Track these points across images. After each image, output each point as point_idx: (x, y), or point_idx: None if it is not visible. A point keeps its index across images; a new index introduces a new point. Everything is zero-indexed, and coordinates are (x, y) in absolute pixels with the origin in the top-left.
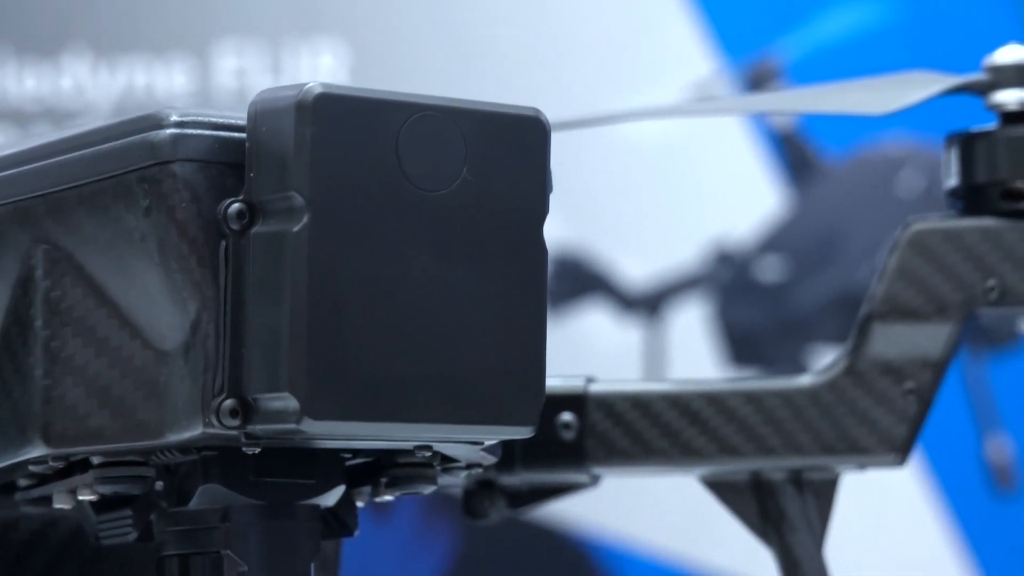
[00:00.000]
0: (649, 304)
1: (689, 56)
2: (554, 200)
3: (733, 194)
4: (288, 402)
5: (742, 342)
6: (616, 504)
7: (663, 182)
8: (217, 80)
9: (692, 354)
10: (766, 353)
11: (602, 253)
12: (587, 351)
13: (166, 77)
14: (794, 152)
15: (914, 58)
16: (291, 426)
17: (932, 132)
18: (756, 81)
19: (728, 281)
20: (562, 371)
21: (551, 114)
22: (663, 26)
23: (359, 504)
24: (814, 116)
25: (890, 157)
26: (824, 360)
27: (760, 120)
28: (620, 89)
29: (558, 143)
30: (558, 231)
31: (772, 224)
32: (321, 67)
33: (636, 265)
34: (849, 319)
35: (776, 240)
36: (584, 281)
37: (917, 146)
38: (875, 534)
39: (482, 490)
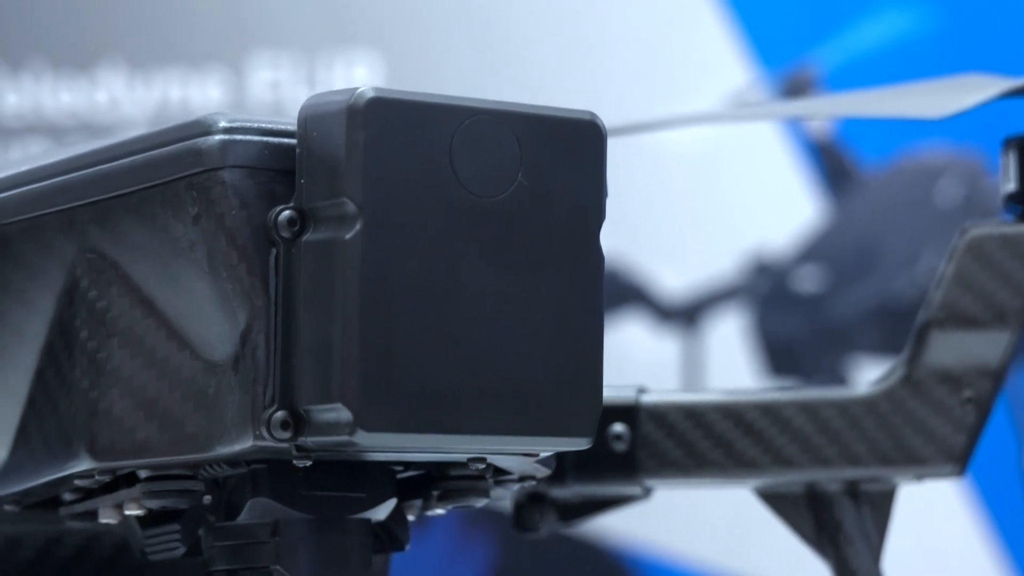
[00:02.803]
0: (687, 315)
1: (725, 66)
2: None
3: (771, 204)
4: (340, 413)
5: (780, 353)
6: (655, 516)
7: (700, 193)
8: (252, 93)
9: (730, 365)
10: (805, 363)
11: (639, 264)
12: (625, 362)
13: (201, 90)
14: (832, 162)
15: (951, 66)
16: (343, 438)
17: (971, 141)
18: (793, 91)
19: (766, 291)
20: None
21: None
22: (699, 36)
23: (410, 518)
24: (851, 124)
25: (928, 166)
26: (863, 370)
27: (797, 130)
28: (656, 100)
29: None
30: None
31: (810, 234)
32: (355, 79)
33: (674, 276)
34: (888, 329)
35: (814, 250)
36: (622, 292)
37: (956, 155)
38: (915, 545)
39: (533, 503)
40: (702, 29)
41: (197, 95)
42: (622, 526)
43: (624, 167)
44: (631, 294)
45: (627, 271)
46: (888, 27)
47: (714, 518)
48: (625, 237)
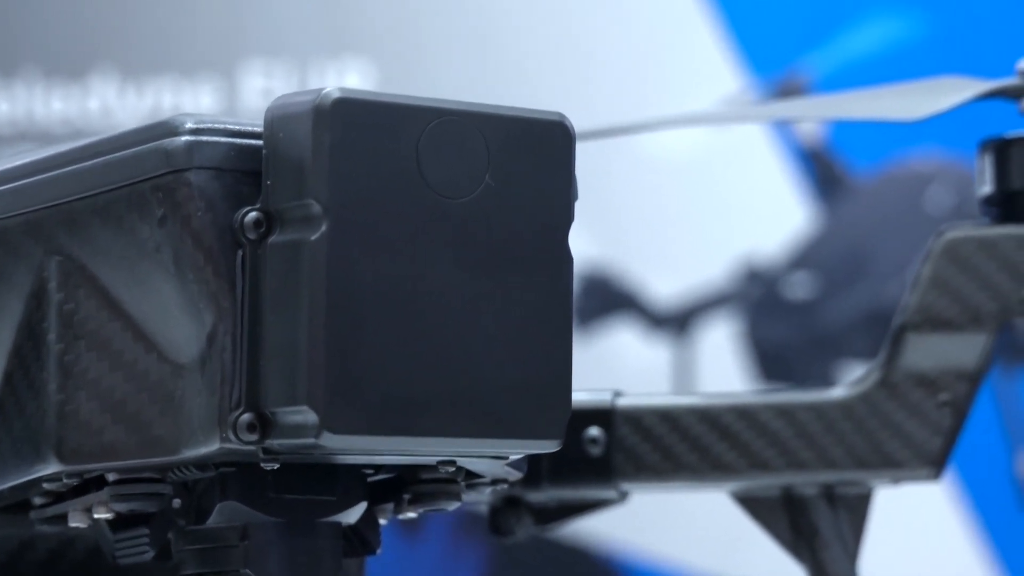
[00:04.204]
0: (678, 322)
1: (716, 73)
2: (581, 218)
3: (762, 211)
4: (307, 416)
5: (771, 359)
6: (649, 522)
7: (691, 199)
8: (244, 100)
9: (721, 372)
10: (796, 370)
11: (630, 271)
12: (616, 369)
13: (193, 98)
14: (822, 168)
15: (941, 72)
16: (310, 440)
17: (961, 147)
18: (784, 97)
19: (757, 298)
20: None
21: (578, 131)
22: (690, 44)
23: (382, 521)
24: (842, 131)
25: (919, 173)
26: (853, 376)
27: (788, 136)
28: (647, 107)
29: (586, 160)
30: (586, 249)
31: (801, 241)
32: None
33: (664, 283)
34: (879, 335)
35: (805, 257)
36: (612, 299)
37: (946, 162)
38: (904, 549)
39: (508, 507)
40: (693, 36)
41: (189, 103)
42: (615, 532)
43: (615, 173)
44: (622, 301)
45: (618, 278)
46: (879, 34)
47: (708, 523)
48: (616, 243)
